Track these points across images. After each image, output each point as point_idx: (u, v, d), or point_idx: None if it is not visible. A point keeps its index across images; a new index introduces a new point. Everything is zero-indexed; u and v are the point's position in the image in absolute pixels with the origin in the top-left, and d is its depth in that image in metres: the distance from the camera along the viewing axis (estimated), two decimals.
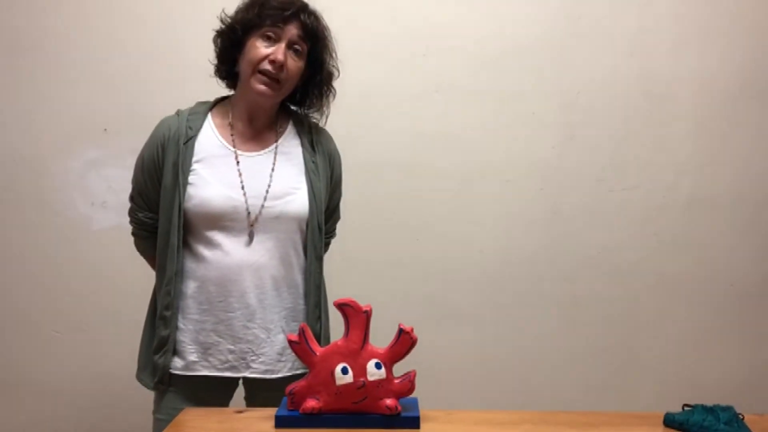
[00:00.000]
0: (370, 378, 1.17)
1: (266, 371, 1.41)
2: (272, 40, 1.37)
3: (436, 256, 2.18)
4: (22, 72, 2.10)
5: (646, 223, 2.21)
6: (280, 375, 1.42)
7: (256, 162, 1.43)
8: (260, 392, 1.46)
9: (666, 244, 2.22)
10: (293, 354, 1.22)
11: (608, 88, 2.18)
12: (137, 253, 1.56)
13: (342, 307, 1.17)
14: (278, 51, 1.35)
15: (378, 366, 1.17)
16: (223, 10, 1.43)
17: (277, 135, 1.47)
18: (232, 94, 1.49)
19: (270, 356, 1.41)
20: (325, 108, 1.51)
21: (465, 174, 2.17)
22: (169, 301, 1.38)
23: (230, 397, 1.49)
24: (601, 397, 2.19)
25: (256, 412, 1.24)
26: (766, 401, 2.17)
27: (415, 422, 1.17)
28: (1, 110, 2.10)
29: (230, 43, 1.42)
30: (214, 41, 1.45)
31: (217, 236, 1.38)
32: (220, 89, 1.51)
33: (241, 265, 1.38)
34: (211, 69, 1.48)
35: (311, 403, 1.17)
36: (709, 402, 1.21)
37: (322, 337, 1.45)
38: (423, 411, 1.20)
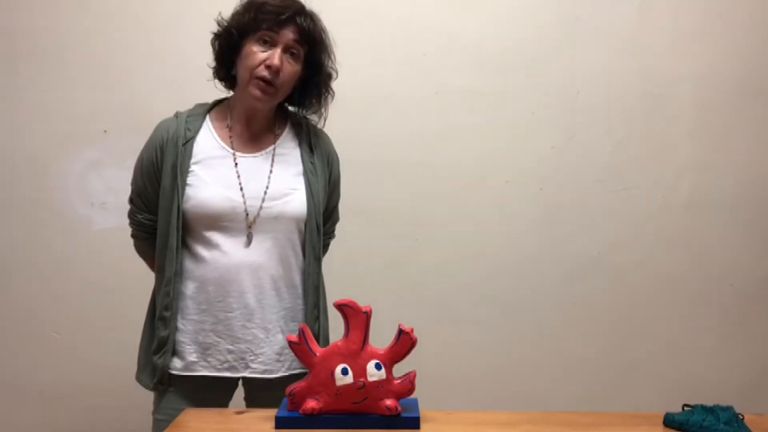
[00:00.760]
0: (370, 378, 1.17)
1: (265, 371, 1.41)
2: (268, 44, 1.36)
3: (436, 256, 2.18)
4: (22, 73, 2.10)
5: (646, 223, 2.21)
6: (278, 375, 1.42)
7: (255, 163, 1.43)
8: (259, 392, 1.46)
9: (666, 244, 2.22)
10: (292, 354, 1.22)
11: (608, 89, 2.18)
12: (136, 254, 1.57)
13: (342, 307, 1.17)
14: (274, 56, 1.35)
15: (378, 366, 1.17)
16: (219, 14, 1.43)
17: (276, 136, 1.47)
18: (231, 96, 1.49)
19: (269, 356, 1.41)
20: (323, 110, 1.50)
21: (465, 174, 2.17)
22: (168, 302, 1.38)
23: (230, 397, 1.49)
24: (600, 397, 2.19)
25: (256, 413, 1.25)
26: (766, 401, 2.17)
27: (415, 423, 1.17)
28: (1, 111, 2.10)
29: (227, 47, 1.42)
30: (212, 44, 1.45)
31: (215, 237, 1.38)
32: (219, 91, 1.51)
33: (240, 265, 1.38)
34: (210, 72, 1.48)
35: (311, 404, 1.17)
36: (709, 402, 1.21)
37: (320, 337, 1.45)
38: (423, 411, 1.20)
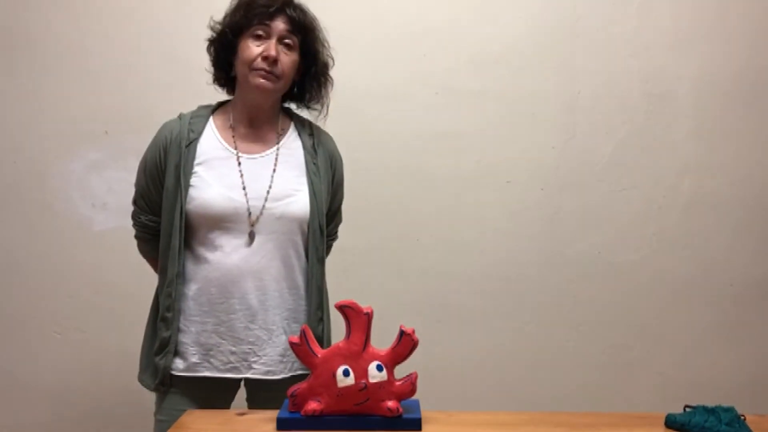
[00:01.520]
0: (372, 380, 1.17)
1: (267, 372, 1.41)
2: (262, 39, 1.38)
3: (437, 257, 2.18)
4: (23, 74, 2.10)
5: (646, 223, 2.21)
6: (281, 376, 1.42)
7: (258, 164, 1.43)
8: (262, 393, 1.46)
9: (666, 244, 2.22)
10: (294, 355, 1.22)
11: (608, 89, 2.18)
12: (138, 255, 1.57)
13: (343, 308, 1.17)
14: (270, 47, 1.37)
15: (379, 368, 1.17)
16: (211, 18, 1.45)
17: (279, 137, 1.47)
18: (233, 97, 1.49)
19: (271, 357, 1.41)
20: (324, 98, 1.51)
21: (465, 175, 2.17)
22: (170, 303, 1.38)
23: (232, 398, 1.49)
24: (602, 397, 2.19)
25: (258, 414, 1.25)
26: (767, 402, 2.17)
27: (416, 424, 1.17)
28: (2, 112, 2.11)
29: (223, 49, 1.43)
30: (208, 50, 1.46)
31: (218, 238, 1.38)
32: (221, 92, 1.52)
33: (242, 266, 1.38)
34: (211, 75, 1.48)
35: (313, 405, 1.17)
36: (710, 403, 1.21)
37: (324, 339, 1.45)
38: (424, 412, 1.20)
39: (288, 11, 1.40)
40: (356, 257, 2.08)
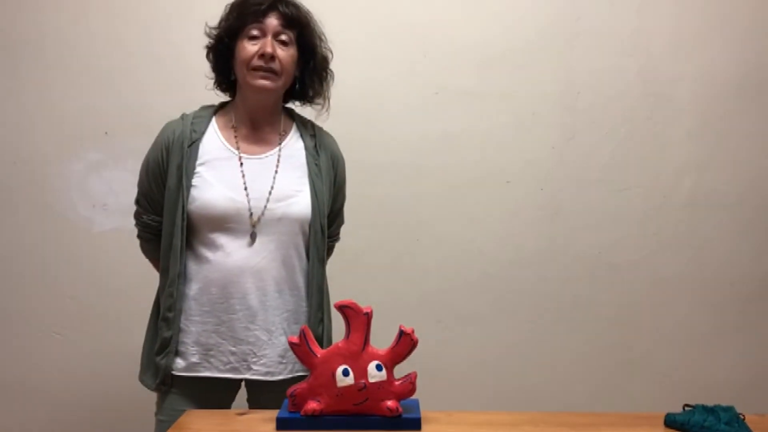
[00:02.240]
0: (371, 380, 1.17)
1: (267, 373, 1.41)
2: (258, 38, 1.38)
3: (437, 257, 2.18)
4: (22, 74, 2.10)
5: (646, 223, 2.21)
6: (281, 377, 1.42)
7: (260, 164, 1.43)
8: (262, 394, 1.46)
9: (666, 244, 2.22)
10: (295, 356, 1.22)
11: (608, 89, 2.18)
12: (138, 255, 1.57)
13: (342, 308, 1.18)
14: (265, 44, 1.37)
15: (379, 368, 1.17)
16: (206, 24, 1.45)
17: (281, 138, 1.48)
18: (235, 99, 1.49)
19: (271, 358, 1.41)
20: (326, 93, 1.51)
21: (465, 175, 2.17)
22: (171, 303, 1.38)
23: (232, 398, 1.49)
24: (601, 397, 2.20)
25: (258, 414, 1.25)
26: (767, 401, 2.17)
27: (416, 424, 1.17)
28: (2, 112, 2.11)
29: (221, 54, 1.44)
30: (207, 57, 1.47)
31: (219, 238, 1.39)
32: (221, 93, 1.52)
33: (243, 266, 1.38)
34: (212, 77, 1.48)
35: (312, 405, 1.17)
36: (709, 402, 1.21)
37: (324, 339, 1.45)
38: (424, 412, 1.20)
39: (280, 8, 1.40)
40: (356, 257, 2.08)
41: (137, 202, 1.50)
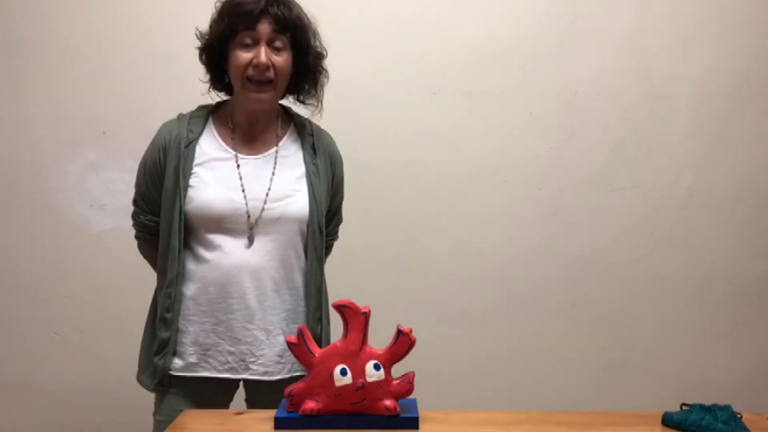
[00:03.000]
0: (369, 379, 1.17)
1: (265, 373, 1.41)
2: (251, 45, 1.35)
3: (435, 256, 2.18)
4: (21, 74, 2.10)
5: (645, 222, 2.22)
6: (279, 377, 1.42)
7: (257, 165, 1.43)
8: (260, 394, 1.46)
9: (664, 244, 2.22)
10: (293, 356, 1.22)
11: (606, 88, 2.18)
12: (136, 255, 1.57)
13: (340, 308, 1.18)
14: (260, 53, 1.34)
15: (377, 367, 1.18)
16: (197, 29, 1.43)
17: (278, 138, 1.47)
18: (232, 99, 1.49)
19: (269, 358, 1.41)
20: (320, 91, 1.49)
21: (463, 174, 2.18)
22: (169, 304, 1.38)
23: (230, 398, 1.49)
24: (599, 397, 2.20)
25: (256, 414, 1.25)
26: (764, 400, 2.18)
27: (414, 423, 1.17)
28: (0, 113, 2.11)
29: (214, 59, 1.42)
30: (200, 60, 1.45)
31: (217, 238, 1.38)
32: (220, 95, 1.52)
33: (241, 266, 1.38)
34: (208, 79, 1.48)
35: (310, 405, 1.17)
36: (707, 401, 1.21)
37: (323, 339, 1.45)
38: (422, 412, 1.20)
39: (272, 10, 1.35)
40: (355, 257, 2.08)
41: (135, 202, 1.50)
